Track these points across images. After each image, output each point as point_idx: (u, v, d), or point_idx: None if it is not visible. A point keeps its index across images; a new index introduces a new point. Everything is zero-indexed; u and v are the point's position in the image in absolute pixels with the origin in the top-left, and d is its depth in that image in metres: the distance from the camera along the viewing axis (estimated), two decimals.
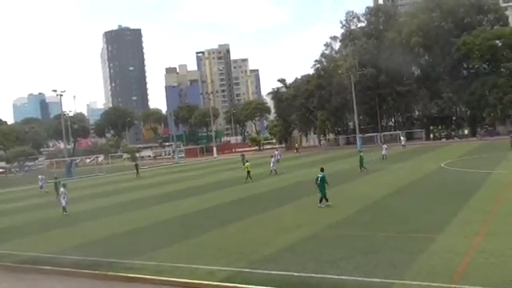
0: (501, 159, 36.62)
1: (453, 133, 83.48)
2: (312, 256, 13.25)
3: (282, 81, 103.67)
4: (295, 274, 11.66)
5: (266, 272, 12.03)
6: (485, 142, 62.29)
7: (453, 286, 10.07)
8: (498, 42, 77.06)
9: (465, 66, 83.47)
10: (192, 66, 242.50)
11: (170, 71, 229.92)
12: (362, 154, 37.17)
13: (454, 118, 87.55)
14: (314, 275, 11.47)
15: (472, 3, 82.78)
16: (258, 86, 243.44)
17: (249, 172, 36.35)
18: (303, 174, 39.07)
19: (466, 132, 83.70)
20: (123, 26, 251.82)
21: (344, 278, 11.16)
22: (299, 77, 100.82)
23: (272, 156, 43.33)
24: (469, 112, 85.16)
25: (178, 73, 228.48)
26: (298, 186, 31.35)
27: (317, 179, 21.66)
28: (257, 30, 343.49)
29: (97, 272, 13.59)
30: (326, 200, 21.35)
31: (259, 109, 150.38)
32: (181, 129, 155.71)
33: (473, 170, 32.03)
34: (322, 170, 22.19)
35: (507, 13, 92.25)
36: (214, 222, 19.85)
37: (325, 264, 12.32)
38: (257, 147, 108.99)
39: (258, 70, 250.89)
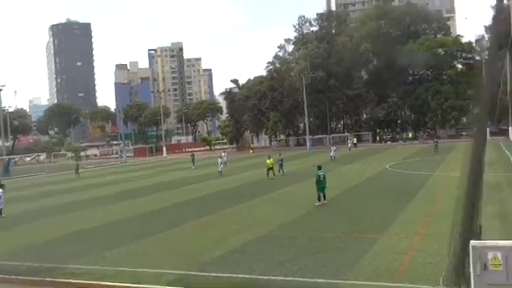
0: (440, 162, 38.36)
1: (398, 136, 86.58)
2: (261, 257, 13.45)
3: (235, 81, 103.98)
4: (243, 276, 11.81)
5: (214, 274, 12.08)
6: (426, 145, 64.90)
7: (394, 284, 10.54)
8: (440, 50, 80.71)
9: (410, 72, 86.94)
10: (143, 63, 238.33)
11: (120, 68, 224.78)
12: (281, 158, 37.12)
13: (399, 121, 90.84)
14: (260, 277, 11.69)
15: (417, 12, 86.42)
16: (210, 86, 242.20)
17: (271, 168, 34.85)
18: (255, 174, 39.40)
19: (410, 135, 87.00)
20: (72, 19, 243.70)
21: (290, 279, 11.43)
22: (252, 78, 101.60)
23: (220, 157, 43.27)
24: (413, 116, 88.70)
25: (128, 70, 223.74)
26: (249, 187, 31.61)
27: (319, 177, 21.59)
28: (211, 29, 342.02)
29: (35, 278, 12.78)
30: (324, 198, 21.57)
31: (211, 109, 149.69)
32: (130, 127, 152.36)
33: (415, 171, 33.38)
34: (319, 168, 22.38)
35: (449, 23, 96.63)
36: (162, 224, 19.61)
37: (273, 265, 12.56)
38: (208, 147, 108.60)
39: (211, 70, 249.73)
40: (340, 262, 12.42)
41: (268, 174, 34.31)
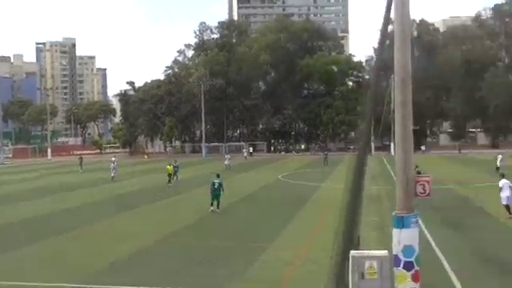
0: (328, 173, 40.32)
1: (291, 147, 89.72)
2: (149, 267, 13.09)
3: (131, 83, 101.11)
4: (127, 287, 11.37)
5: (97, 286, 11.50)
6: (317, 156, 67.94)
7: None
8: (334, 67, 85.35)
9: (305, 86, 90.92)
10: (30, 57, 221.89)
11: (2, 60, 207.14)
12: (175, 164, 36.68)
13: (293, 133, 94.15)
14: None
15: (315, 29, 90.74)
16: (104, 86, 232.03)
17: (170, 175, 34.16)
18: (149, 179, 38.50)
19: (303, 147, 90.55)
20: None
21: None
22: (149, 81, 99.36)
23: (112, 162, 41.54)
24: (306, 128, 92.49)
25: (12, 63, 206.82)
26: (139, 193, 30.73)
27: (213, 184, 21.56)
28: (109, 27, 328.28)
29: None
30: (218, 207, 21.47)
31: (104, 110, 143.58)
32: (10, 125, 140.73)
33: (305, 182, 34.71)
34: (218, 176, 22.41)
35: (343, 42, 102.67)
36: (44, 232, 18.28)
37: (160, 275, 12.29)
38: (98, 151, 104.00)
39: (105, 70, 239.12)
40: (229, 271, 12.46)
41: (169, 181, 33.88)
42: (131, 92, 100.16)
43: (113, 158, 45.88)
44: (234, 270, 12.62)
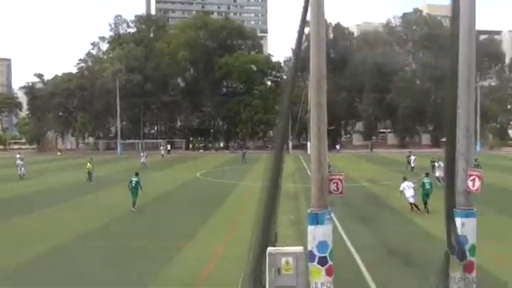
0: (247, 171, 40.71)
1: (210, 145, 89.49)
2: (58, 270, 12.50)
3: (40, 76, 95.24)
4: None
5: None
6: (236, 154, 68.40)
7: None
8: (253, 66, 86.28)
9: (225, 84, 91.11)
10: None
11: None
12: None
13: (212, 130, 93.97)
14: None
15: (234, 28, 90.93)
16: (8, 78, 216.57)
17: (90, 173, 32.86)
18: (62, 177, 36.82)
19: (222, 145, 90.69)
20: None
21: None
22: (60, 74, 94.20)
23: (17, 159, 38.88)
24: (225, 126, 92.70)
25: None
26: (51, 192, 29.14)
27: (131, 182, 21.61)
28: (15, 14, 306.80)
29: None
30: (133, 205, 21.39)
31: (8, 103, 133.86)
32: None
33: (223, 180, 34.81)
34: (136, 174, 22.49)
35: (262, 42, 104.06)
36: None
37: (71, 278, 11.78)
38: (1, 146, 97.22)
39: (10, 60, 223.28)
40: (144, 271, 12.20)
41: (90, 179, 32.71)
42: (40, 85, 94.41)
43: (17, 155, 43.22)
44: (149, 270, 12.36)
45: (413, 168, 36.95)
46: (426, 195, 20.78)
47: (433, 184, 21.67)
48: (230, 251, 14.12)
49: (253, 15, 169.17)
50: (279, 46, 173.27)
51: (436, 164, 29.84)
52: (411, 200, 20.63)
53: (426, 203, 20.63)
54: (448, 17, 9.22)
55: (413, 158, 39.06)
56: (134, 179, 21.81)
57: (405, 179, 21.63)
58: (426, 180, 21.29)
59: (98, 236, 16.78)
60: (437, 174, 28.15)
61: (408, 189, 20.77)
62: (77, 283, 11.26)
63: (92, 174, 33.30)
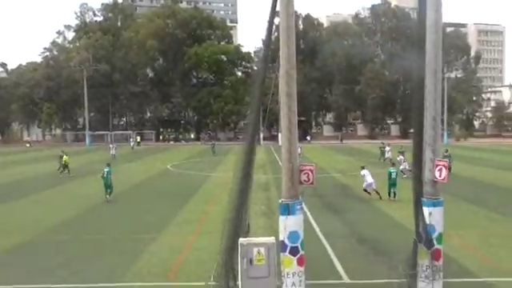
0: (218, 163, 40.63)
1: (181, 136, 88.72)
2: (24, 265, 12.25)
3: (3, 65, 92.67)
4: (1, 286, 10.60)
5: None
6: (207, 146, 68.09)
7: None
8: (223, 56, 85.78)
9: (195, 74, 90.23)
10: None
11: None
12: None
13: (182, 121, 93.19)
14: (24, 286, 10.63)
15: (203, 18, 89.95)
16: None
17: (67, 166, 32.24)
18: (30, 170, 36.02)
19: (193, 136, 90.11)
20: None
21: (59, 286, 10.71)
22: (24, 63, 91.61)
23: None
24: (196, 117, 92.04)
25: None
26: (18, 185, 28.38)
27: (103, 174, 22.08)
28: None
29: None
30: (109, 195, 21.88)
31: None
32: None
33: (195, 172, 34.64)
34: (108, 165, 23.08)
35: (232, 32, 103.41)
36: None
37: (38, 273, 11.56)
38: None
39: None
40: (115, 265, 12.10)
41: (69, 171, 32.07)
42: (3, 74, 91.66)
43: None
44: (121, 262, 12.26)
45: (385, 159, 37.00)
46: (392, 185, 21.47)
47: (398, 173, 22.22)
48: (202, 242, 14.11)
49: (222, 5, 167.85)
50: (249, 36, 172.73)
51: (398, 158, 30.69)
52: (373, 187, 21.55)
53: (394, 193, 21.33)
54: (416, 9, 9.38)
55: (387, 148, 39.28)
56: (106, 169, 22.26)
57: (363, 168, 22.42)
58: (392, 170, 22.02)
59: (66, 229, 16.48)
60: (401, 167, 28.91)
61: (367, 177, 21.69)
62: (44, 280, 11.02)
63: (69, 165, 32.77)
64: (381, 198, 21.17)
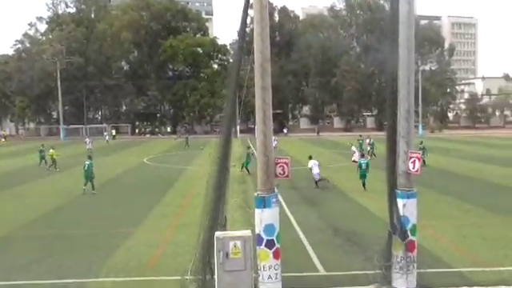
0: (195, 156, 40.45)
1: (157, 129, 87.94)
2: None
3: None
4: None
5: None
6: (183, 139, 67.66)
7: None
8: (199, 49, 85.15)
9: (170, 67, 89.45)
10: None
11: None
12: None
13: (158, 115, 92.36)
14: None
15: (178, 10, 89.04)
16: None
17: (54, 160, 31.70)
18: (5, 165, 35.25)
19: (169, 129, 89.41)
20: None
21: (35, 282, 10.53)
22: None
23: None
24: (172, 111, 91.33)
25: None
26: None
27: (84, 166, 22.39)
28: None
29: None
30: (93, 188, 22.20)
31: None
32: None
33: (171, 165, 34.44)
34: (89, 157, 23.41)
35: (208, 24, 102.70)
36: None
37: (13, 270, 11.36)
38: None
39: None
40: (91, 260, 11.94)
41: (56, 166, 31.44)
42: None
43: None
44: (96, 258, 12.11)
45: (372, 152, 36.96)
46: (362, 175, 22.02)
47: (369, 164, 22.57)
48: (179, 236, 14.05)
49: None
50: (225, 28, 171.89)
51: (352, 148, 31.56)
52: (317, 177, 22.52)
53: (363, 183, 21.86)
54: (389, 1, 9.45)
55: (368, 141, 38.64)
56: (87, 162, 22.54)
57: (310, 158, 23.57)
58: (362, 161, 22.61)
59: (42, 224, 16.23)
60: (352, 158, 29.94)
61: (314, 166, 22.70)
62: (16, 277, 10.82)
63: (43, 159, 32.42)
64: (328, 182, 22.50)
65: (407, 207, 8.88)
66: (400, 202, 8.89)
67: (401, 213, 8.86)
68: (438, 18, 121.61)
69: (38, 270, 11.34)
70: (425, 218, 12.54)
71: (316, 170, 22.54)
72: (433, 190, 20.75)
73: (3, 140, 72.56)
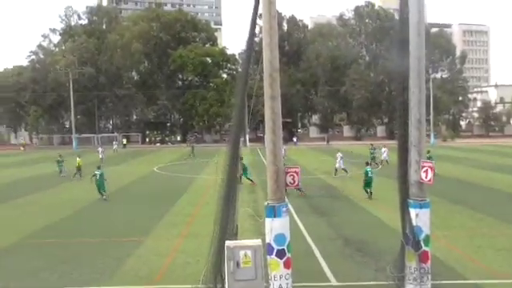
0: (204, 165, 40.44)
1: (167, 138, 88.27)
2: (10, 269, 12.10)
3: None
4: None
5: None
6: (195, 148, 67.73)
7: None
8: (208, 59, 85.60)
9: (179, 76, 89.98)
10: None
11: None
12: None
13: (168, 124, 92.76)
14: None
15: (188, 20, 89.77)
16: None
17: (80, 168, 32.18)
18: (13, 173, 35.63)
19: (179, 138, 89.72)
20: None
21: None
22: (10, 67, 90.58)
23: None
24: (181, 120, 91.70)
25: None
26: (6, 188, 27.96)
27: (94, 175, 23.34)
28: None
29: None
30: (103, 195, 22.94)
31: None
32: None
33: (181, 174, 34.45)
34: (98, 167, 24.10)
35: (217, 34, 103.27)
36: None
37: (25, 277, 11.44)
38: None
39: None
40: (102, 268, 12.02)
41: (80, 174, 31.76)
42: None
43: None
44: (107, 266, 12.15)
45: (381, 160, 36.66)
46: (368, 183, 22.05)
47: (374, 172, 22.56)
48: (189, 245, 14.03)
49: (206, 7, 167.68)
50: (234, 38, 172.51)
51: (337, 154, 31.75)
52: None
53: (370, 191, 21.86)
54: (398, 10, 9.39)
55: (384, 149, 37.64)
56: (98, 172, 23.23)
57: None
58: (368, 169, 22.49)
59: (50, 233, 16.29)
60: (336, 165, 30.72)
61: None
62: (29, 283, 10.90)
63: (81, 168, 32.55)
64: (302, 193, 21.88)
65: (420, 217, 8.76)
66: (413, 211, 8.78)
67: (413, 223, 8.74)
68: (449, 26, 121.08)
69: (50, 277, 11.42)
70: (437, 227, 12.40)
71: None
72: (444, 199, 20.52)
73: (22, 148, 73.60)
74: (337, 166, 30.72)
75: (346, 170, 30.51)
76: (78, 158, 32.76)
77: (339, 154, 31.52)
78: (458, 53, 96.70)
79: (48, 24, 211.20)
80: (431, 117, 69.63)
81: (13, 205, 22.26)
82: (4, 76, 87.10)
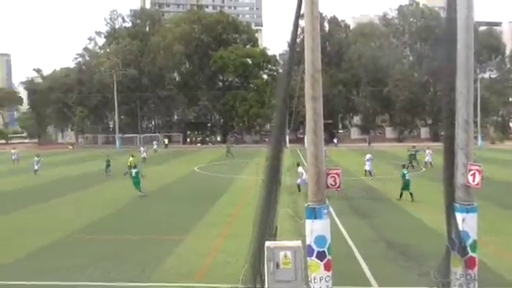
0: (244, 166, 40.61)
1: (207, 138, 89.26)
2: (57, 263, 12.48)
3: (38, 71, 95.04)
4: (36, 283, 10.87)
5: (4, 283, 10.90)
6: (234, 148, 68.13)
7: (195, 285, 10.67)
8: (248, 60, 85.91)
9: (220, 77, 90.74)
10: None
11: None
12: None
13: (209, 124, 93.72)
14: (57, 283, 10.89)
15: (229, 22, 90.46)
16: (8, 73, 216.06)
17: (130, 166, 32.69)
18: (61, 171, 36.83)
19: (219, 138, 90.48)
20: None
21: (91, 284, 10.91)
22: (58, 69, 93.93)
23: (36, 156, 38.61)
24: (222, 120, 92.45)
25: None
26: (48, 187, 28.96)
27: (131, 173, 25.36)
28: (14, 10, 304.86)
29: None
30: (140, 191, 24.30)
31: (8, 98, 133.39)
32: None
33: (221, 174, 34.72)
34: (135, 166, 25.82)
35: (257, 35, 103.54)
36: None
37: (71, 271, 11.79)
38: (3, 141, 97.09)
39: (9, 55, 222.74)
40: (144, 265, 12.23)
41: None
42: (38, 80, 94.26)
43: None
44: (148, 263, 12.37)
45: (426, 162, 36.18)
46: (406, 186, 21.78)
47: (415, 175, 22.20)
48: (229, 245, 14.10)
49: (247, 8, 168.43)
50: (274, 39, 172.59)
51: (366, 157, 31.36)
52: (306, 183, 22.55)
53: (408, 194, 21.56)
54: (445, 7, 9.11)
55: (428, 151, 37.02)
56: (134, 170, 25.04)
57: (298, 165, 25.19)
58: (405, 171, 22.30)
59: (94, 230, 16.72)
60: (366, 167, 30.92)
61: (304, 173, 22.25)
62: (75, 278, 11.24)
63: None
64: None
65: (467, 222, 8.45)
66: (459, 216, 8.48)
67: (460, 228, 8.45)
68: (499, 24, 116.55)
69: (94, 272, 11.74)
70: (485, 233, 11.96)
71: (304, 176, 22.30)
72: (492, 203, 19.78)
73: (70, 147, 76.33)
74: (367, 168, 30.71)
75: (370, 173, 30.49)
76: (131, 158, 33.21)
77: (369, 156, 31.31)
78: (507, 52, 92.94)
79: (94, 27, 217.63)
80: (478, 118, 67.32)
81: (61, 201, 22.99)
82: (52, 78, 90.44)
